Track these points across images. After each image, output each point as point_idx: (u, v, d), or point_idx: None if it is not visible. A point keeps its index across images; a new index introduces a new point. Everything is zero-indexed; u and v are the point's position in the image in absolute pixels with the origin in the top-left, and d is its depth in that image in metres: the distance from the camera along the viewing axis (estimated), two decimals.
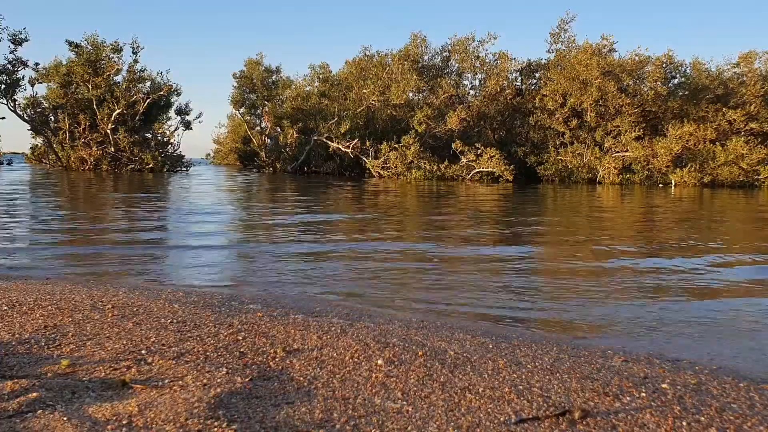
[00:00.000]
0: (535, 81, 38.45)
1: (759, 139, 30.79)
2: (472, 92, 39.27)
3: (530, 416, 2.07)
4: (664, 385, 2.44)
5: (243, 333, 3.03)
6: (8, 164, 38.86)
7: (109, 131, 33.07)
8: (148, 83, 35.31)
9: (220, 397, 2.16)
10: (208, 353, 2.68)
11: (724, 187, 29.77)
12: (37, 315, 3.26)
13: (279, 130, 41.00)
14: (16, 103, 34.09)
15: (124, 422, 1.93)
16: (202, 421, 1.94)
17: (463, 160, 33.09)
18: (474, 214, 12.53)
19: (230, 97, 41.25)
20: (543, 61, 37.93)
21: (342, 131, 35.41)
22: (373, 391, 2.27)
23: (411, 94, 37.86)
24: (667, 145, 30.17)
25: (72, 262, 5.94)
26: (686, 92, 33.78)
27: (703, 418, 2.10)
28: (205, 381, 2.32)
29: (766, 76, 33.87)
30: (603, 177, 32.27)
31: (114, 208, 11.96)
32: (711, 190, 26.39)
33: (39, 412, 2.00)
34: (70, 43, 33.33)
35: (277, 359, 2.62)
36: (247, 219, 10.99)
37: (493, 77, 36.71)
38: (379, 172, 34.33)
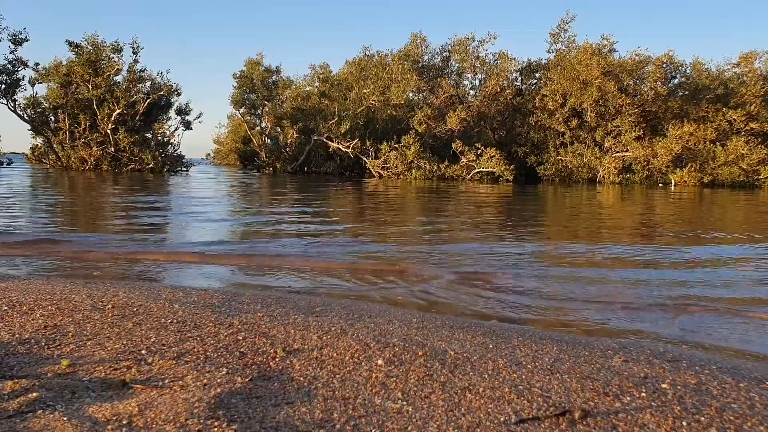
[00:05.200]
0: (535, 81, 38.48)
1: (759, 139, 30.82)
2: (472, 92, 39.34)
3: (530, 416, 2.07)
4: (664, 385, 2.44)
5: (243, 333, 3.03)
6: (8, 164, 38.83)
7: (109, 131, 33.08)
8: (148, 83, 35.35)
9: (220, 397, 2.16)
10: (208, 353, 2.68)
11: (724, 187, 29.78)
12: (37, 315, 3.27)
13: (279, 130, 41.02)
14: (16, 103, 34.15)
15: (124, 422, 1.93)
16: (202, 421, 1.94)
17: (463, 160, 33.11)
18: (476, 212, 12.54)
19: (230, 97, 41.30)
20: (543, 61, 38.02)
21: (342, 131, 35.42)
22: (373, 391, 2.27)
23: (411, 94, 37.90)
24: (667, 145, 30.19)
25: (72, 261, 5.94)
26: (686, 92, 33.82)
27: (703, 418, 2.10)
28: (205, 381, 2.32)
29: (766, 76, 33.90)
30: (603, 177, 32.29)
31: (115, 209, 11.97)
32: (711, 190, 26.39)
33: (39, 412, 2.00)
34: (70, 43, 33.35)
35: (277, 359, 2.62)
36: (247, 220, 11.01)
37: (493, 77, 36.74)
38: (379, 172, 34.34)
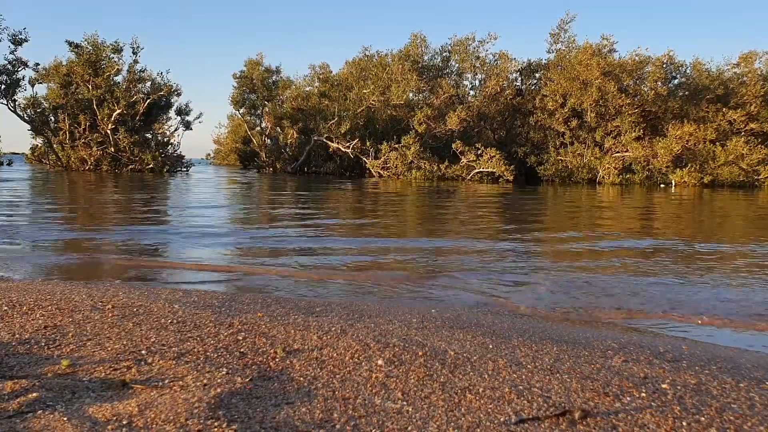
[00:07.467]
0: (535, 81, 38.44)
1: (759, 139, 30.80)
2: (472, 92, 39.29)
3: (530, 416, 2.07)
4: (664, 385, 2.43)
5: (243, 333, 3.03)
6: (8, 164, 38.83)
7: (109, 131, 33.09)
8: (148, 83, 35.35)
9: (220, 397, 2.16)
10: (208, 353, 2.67)
11: (724, 187, 29.76)
12: (37, 315, 3.26)
13: (279, 130, 41.01)
14: (16, 103, 34.15)
15: (124, 422, 1.93)
16: (202, 421, 1.94)
17: (464, 160, 33.10)
18: (477, 211, 12.54)
19: (230, 97, 41.30)
20: (543, 61, 37.96)
21: (342, 131, 35.41)
22: (374, 391, 2.27)
23: (411, 95, 37.86)
24: (667, 145, 30.17)
25: (72, 261, 5.94)
26: (686, 92, 33.77)
27: (703, 419, 2.10)
28: (205, 381, 2.32)
29: (766, 76, 33.87)
30: (603, 177, 32.27)
31: (114, 210, 11.97)
32: (711, 190, 26.38)
33: (39, 412, 2.00)
34: (70, 44, 33.36)
35: (277, 359, 2.62)
36: (248, 220, 11.01)
37: (493, 77, 36.71)
38: (379, 173, 34.33)
